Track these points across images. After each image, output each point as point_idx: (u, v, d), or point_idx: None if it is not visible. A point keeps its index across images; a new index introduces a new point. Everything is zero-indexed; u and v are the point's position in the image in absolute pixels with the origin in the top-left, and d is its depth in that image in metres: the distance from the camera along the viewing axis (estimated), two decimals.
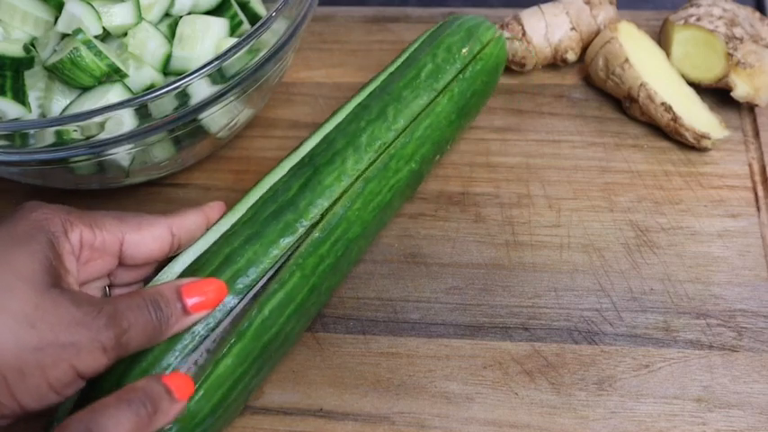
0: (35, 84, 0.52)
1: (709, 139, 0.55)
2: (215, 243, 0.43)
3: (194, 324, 0.40)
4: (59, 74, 0.49)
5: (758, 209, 0.53)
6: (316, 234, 0.44)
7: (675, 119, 0.56)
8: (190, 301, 0.39)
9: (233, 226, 0.44)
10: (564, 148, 0.58)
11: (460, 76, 0.52)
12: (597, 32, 0.62)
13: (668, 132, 0.57)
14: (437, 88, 0.51)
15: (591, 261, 0.51)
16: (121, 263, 0.42)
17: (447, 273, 0.51)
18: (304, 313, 0.44)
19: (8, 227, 0.37)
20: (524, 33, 0.61)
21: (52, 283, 0.35)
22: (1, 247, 0.36)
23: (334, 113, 0.50)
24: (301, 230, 0.44)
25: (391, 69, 0.53)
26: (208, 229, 0.44)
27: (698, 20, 0.58)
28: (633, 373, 0.46)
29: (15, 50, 0.51)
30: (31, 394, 0.34)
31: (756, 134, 0.57)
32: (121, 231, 0.40)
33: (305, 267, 0.43)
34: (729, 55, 0.56)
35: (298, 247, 0.44)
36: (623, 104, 0.59)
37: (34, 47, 0.52)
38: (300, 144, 0.49)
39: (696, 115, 0.57)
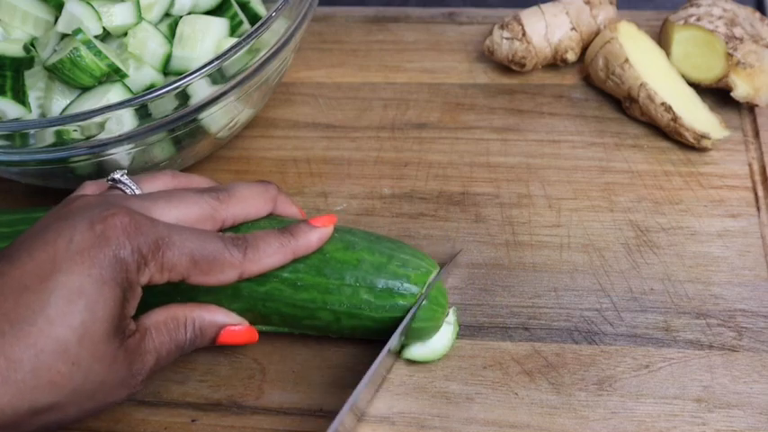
0: (35, 84, 0.52)
1: (709, 139, 0.55)
2: None
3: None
4: (59, 74, 0.49)
5: (758, 209, 0.53)
6: None
7: (675, 119, 0.56)
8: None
9: None
10: (564, 148, 0.58)
11: None
12: (597, 32, 0.62)
13: (668, 132, 0.57)
14: None
15: (591, 261, 0.51)
16: None
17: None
18: None
19: (78, 241, 0.36)
20: (524, 33, 0.61)
21: (114, 332, 0.37)
22: (77, 272, 0.35)
23: None
24: None
25: None
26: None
27: (698, 20, 0.58)
28: (633, 373, 0.46)
29: (15, 50, 0.51)
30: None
31: (756, 134, 0.57)
32: (189, 273, 0.39)
33: None
34: (729, 55, 0.56)
35: None
36: (623, 104, 0.59)
37: (34, 47, 0.52)
38: None
39: (696, 115, 0.57)
